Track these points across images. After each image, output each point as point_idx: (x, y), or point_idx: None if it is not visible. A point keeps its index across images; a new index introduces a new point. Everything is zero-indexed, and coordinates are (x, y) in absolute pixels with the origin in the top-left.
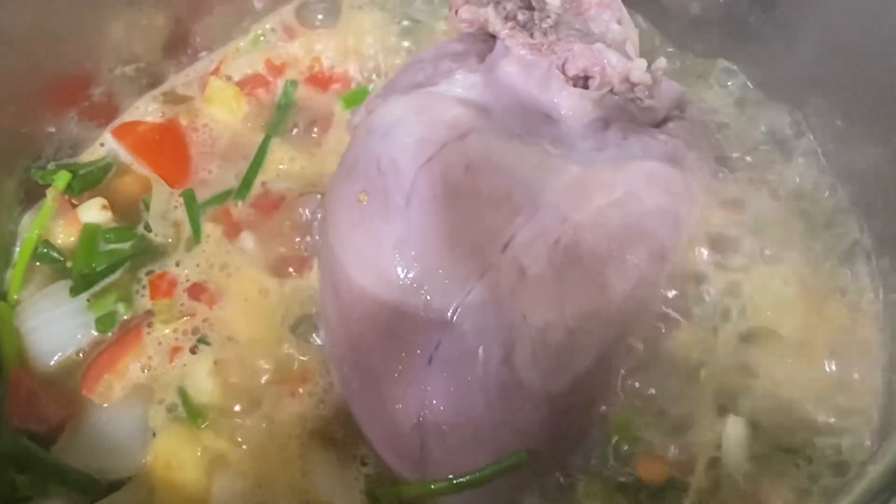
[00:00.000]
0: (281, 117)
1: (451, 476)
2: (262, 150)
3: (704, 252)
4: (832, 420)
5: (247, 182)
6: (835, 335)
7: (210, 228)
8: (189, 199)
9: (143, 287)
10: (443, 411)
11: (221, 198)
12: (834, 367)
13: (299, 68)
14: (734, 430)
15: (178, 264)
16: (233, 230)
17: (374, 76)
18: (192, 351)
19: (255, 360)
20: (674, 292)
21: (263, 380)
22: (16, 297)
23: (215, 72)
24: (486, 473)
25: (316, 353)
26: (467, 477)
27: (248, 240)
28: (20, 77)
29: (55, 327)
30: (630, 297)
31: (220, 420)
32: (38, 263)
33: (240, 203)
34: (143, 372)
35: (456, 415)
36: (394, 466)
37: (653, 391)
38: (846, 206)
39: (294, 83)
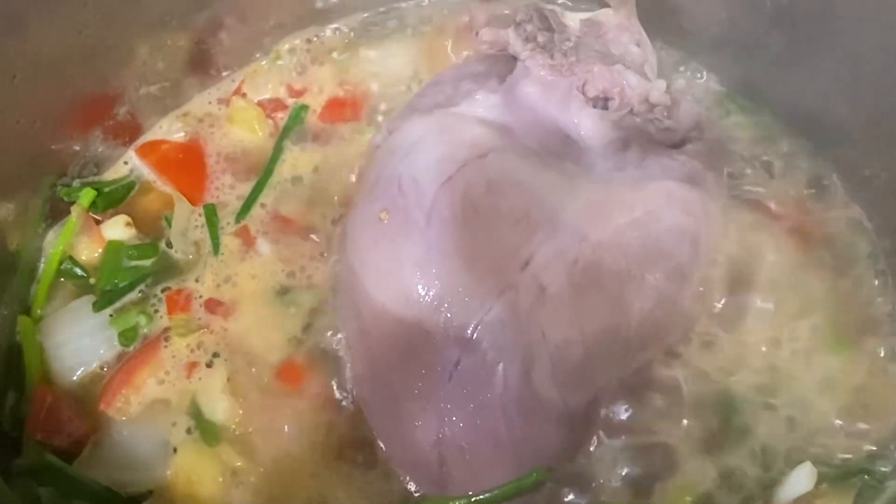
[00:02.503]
0: (288, 137)
1: (470, 493)
2: (268, 172)
3: (723, 275)
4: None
5: (248, 203)
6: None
7: (229, 245)
8: (210, 214)
9: (161, 302)
10: (462, 428)
11: (241, 214)
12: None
13: (318, 91)
14: (806, 477)
15: (197, 280)
16: (251, 246)
17: (392, 101)
18: (209, 366)
19: (271, 375)
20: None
21: (279, 395)
22: (39, 312)
23: (237, 92)
24: (505, 491)
25: (333, 368)
26: (487, 494)
27: (265, 255)
28: (48, 96)
29: (78, 342)
30: (649, 316)
31: (237, 437)
32: (61, 279)
33: (247, 220)
34: (161, 387)
35: (475, 432)
36: (413, 484)
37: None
38: (865, 238)
39: (305, 107)
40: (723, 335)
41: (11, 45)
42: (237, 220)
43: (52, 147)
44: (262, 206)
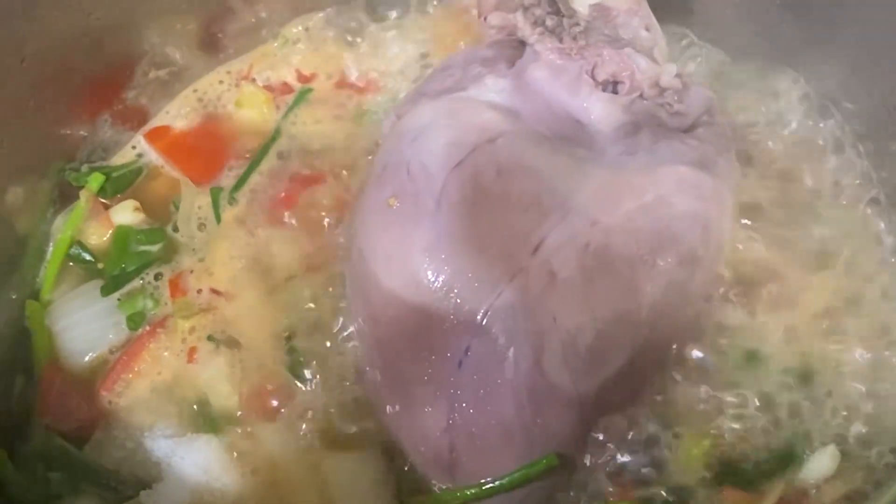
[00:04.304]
0: (293, 120)
1: (481, 481)
2: (264, 150)
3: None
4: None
5: (241, 181)
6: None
7: (235, 228)
8: (215, 196)
9: (165, 286)
10: (473, 415)
11: (234, 190)
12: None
13: (326, 74)
14: (829, 459)
15: (201, 260)
16: (257, 230)
17: (400, 86)
18: (211, 350)
19: (274, 358)
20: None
21: (283, 380)
22: (48, 296)
23: (246, 76)
24: (516, 478)
25: (340, 353)
26: (498, 482)
27: (270, 239)
28: (57, 79)
29: (87, 327)
30: (660, 301)
31: (242, 422)
32: (70, 264)
33: (252, 204)
34: (163, 371)
35: (486, 418)
36: (424, 470)
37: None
38: (884, 218)
39: (309, 90)
40: (743, 315)
41: (21, 28)
42: (231, 195)
43: (61, 131)
44: (268, 189)
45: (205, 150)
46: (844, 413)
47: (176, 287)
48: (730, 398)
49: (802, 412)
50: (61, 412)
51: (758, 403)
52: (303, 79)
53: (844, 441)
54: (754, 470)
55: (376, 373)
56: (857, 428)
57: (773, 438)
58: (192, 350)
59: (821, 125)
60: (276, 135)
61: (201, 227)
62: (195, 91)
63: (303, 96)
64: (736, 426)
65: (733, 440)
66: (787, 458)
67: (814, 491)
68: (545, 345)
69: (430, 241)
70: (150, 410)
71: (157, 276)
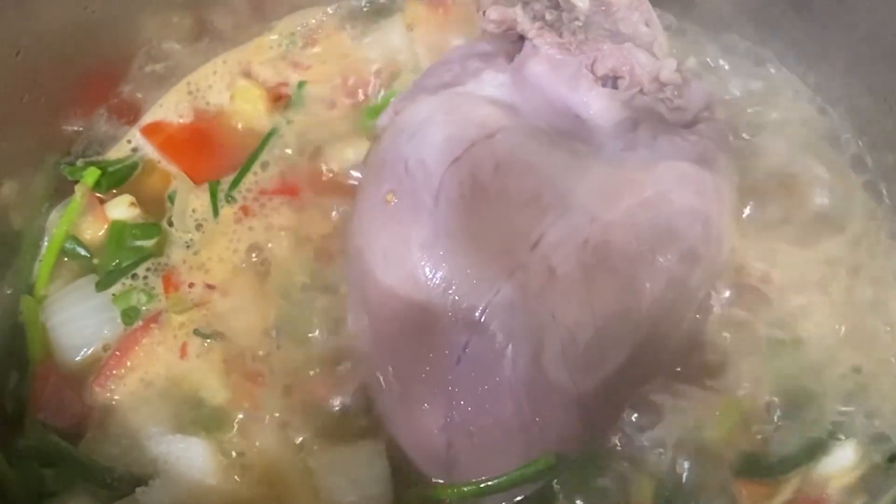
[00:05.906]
0: (288, 116)
1: (481, 478)
2: (262, 145)
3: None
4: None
5: (238, 177)
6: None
7: (230, 223)
8: (213, 191)
9: (158, 281)
10: (470, 412)
11: (232, 187)
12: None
13: (323, 70)
14: (850, 454)
15: (196, 255)
16: (252, 224)
17: (399, 81)
18: (203, 346)
19: (270, 355)
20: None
21: (279, 376)
22: (43, 291)
23: (242, 70)
24: (514, 477)
25: (337, 350)
26: (495, 480)
27: (265, 233)
28: (53, 73)
29: (81, 322)
30: (660, 298)
31: (235, 418)
32: (65, 259)
33: (247, 199)
34: (155, 367)
35: (484, 416)
36: (421, 468)
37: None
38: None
39: (304, 83)
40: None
41: (17, 21)
42: (229, 191)
43: (57, 125)
44: (265, 185)
45: (201, 145)
46: (865, 407)
47: (170, 282)
48: (741, 392)
49: (817, 406)
50: (56, 408)
51: (773, 398)
52: (299, 73)
53: (864, 435)
54: (771, 463)
55: (373, 369)
56: (877, 423)
57: (787, 433)
58: (185, 345)
59: (819, 121)
60: (272, 130)
61: (197, 222)
62: (188, 84)
63: (299, 91)
64: (750, 419)
65: (748, 433)
66: (805, 453)
67: (828, 486)
68: (544, 342)
69: (428, 237)
70: (144, 406)
71: (152, 271)
